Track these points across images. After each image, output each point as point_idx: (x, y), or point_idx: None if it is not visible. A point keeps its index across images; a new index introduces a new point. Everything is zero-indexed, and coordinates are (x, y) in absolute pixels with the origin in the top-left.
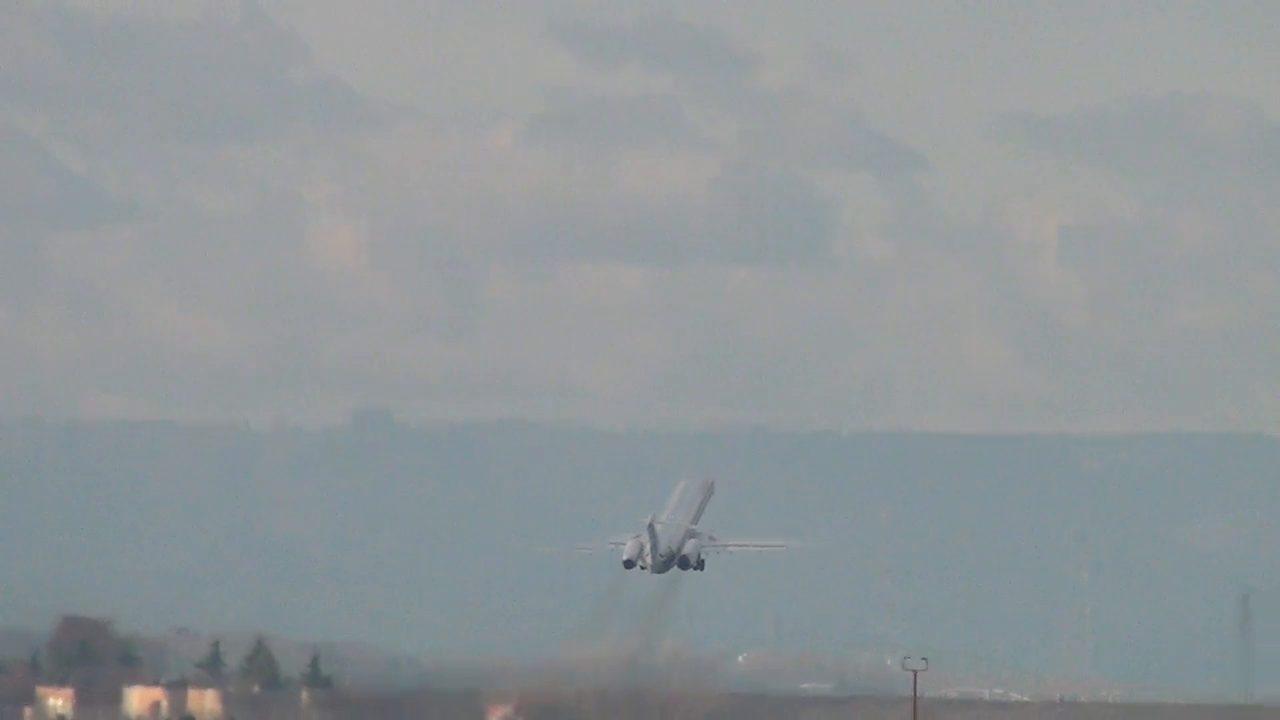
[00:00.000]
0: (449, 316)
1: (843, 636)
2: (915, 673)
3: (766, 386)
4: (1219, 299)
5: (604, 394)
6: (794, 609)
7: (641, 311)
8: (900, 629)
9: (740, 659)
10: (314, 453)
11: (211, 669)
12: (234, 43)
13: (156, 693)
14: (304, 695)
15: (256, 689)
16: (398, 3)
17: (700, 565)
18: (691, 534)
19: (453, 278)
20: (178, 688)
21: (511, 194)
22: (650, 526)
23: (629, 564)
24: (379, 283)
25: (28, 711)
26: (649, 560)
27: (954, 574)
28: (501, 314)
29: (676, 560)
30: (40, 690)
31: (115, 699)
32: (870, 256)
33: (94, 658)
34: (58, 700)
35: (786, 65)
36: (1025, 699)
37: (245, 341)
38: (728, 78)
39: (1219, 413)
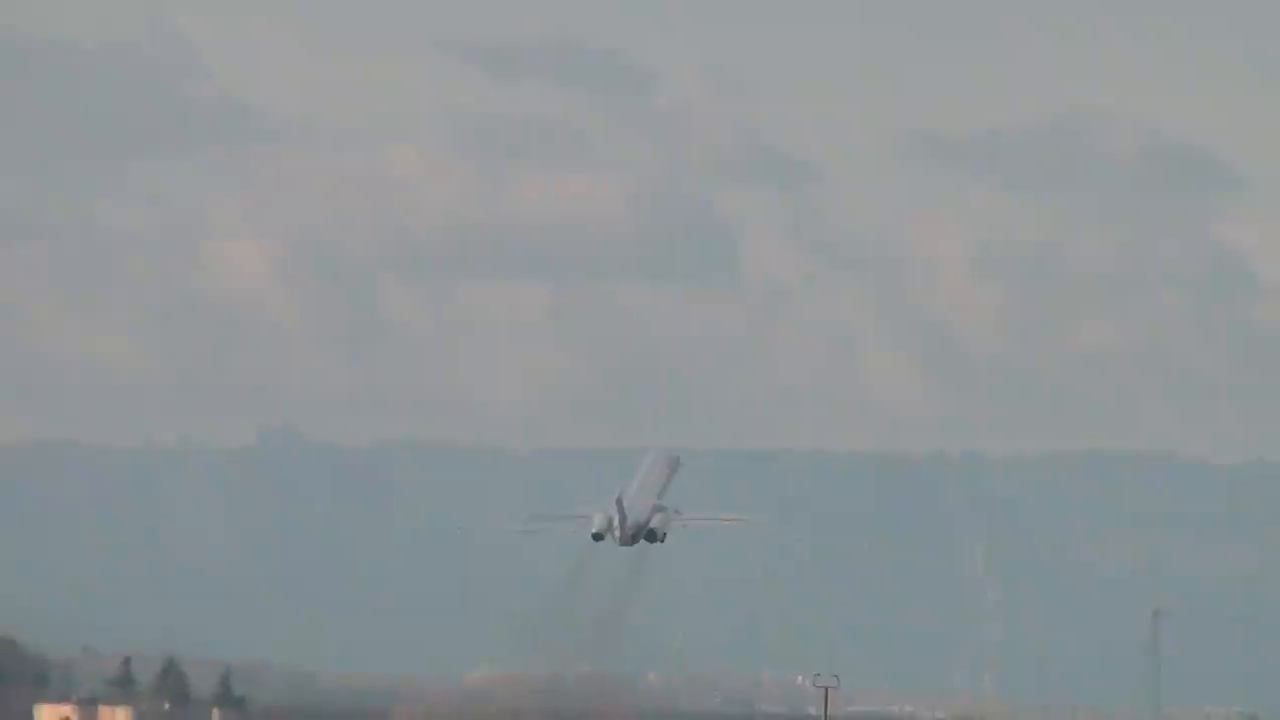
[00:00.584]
0: (352, 335)
1: (753, 653)
2: (826, 690)
3: (671, 405)
4: (1123, 317)
5: (509, 413)
6: (704, 626)
7: (544, 330)
8: (810, 646)
9: (650, 676)
10: (219, 471)
11: (122, 687)
12: (134, 60)
13: (67, 710)
14: (215, 714)
15: (167, 707)
16: (298, 21)
17: (663, 538)
18: (659, 508)
19: (355, 296)
20: (89, 705)
21: (413, 212)
22: (619, 501)
23: (598, 537)
24: (281, 301)
25: None
26: (617, 533)
27: (863, 592)
28: (404, 332)
29: (644, 533)
30: None
31: (26, 717)
32: (773, 275)
33: (3, 676)
34: None
35: (687, 83)
36: (935, 716)
37: (149, 360)
38: (628, 96)
39: (1126, 432)
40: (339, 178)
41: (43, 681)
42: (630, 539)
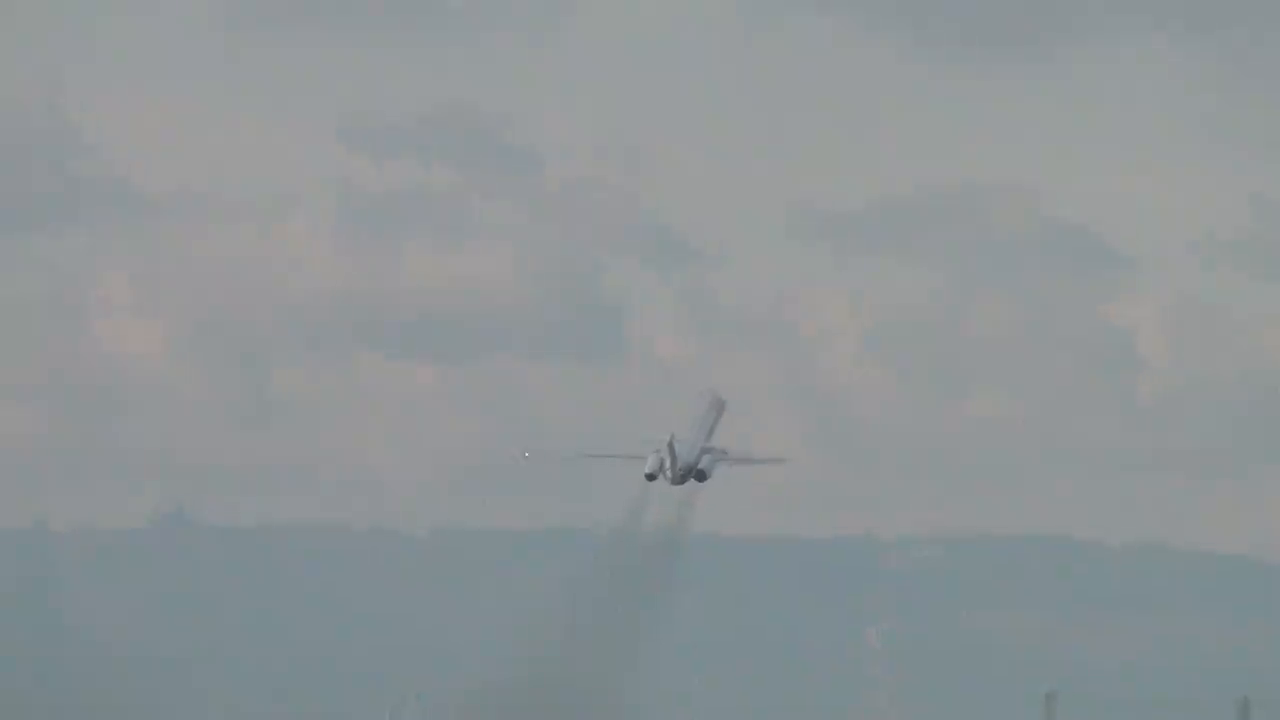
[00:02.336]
0: (242, 413)
1: None
2: None
3: (563, 484)
4: (1015, 395)
5: (402, 491)
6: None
7: (436, 407)
8: None
9: None
10: (113, 551)
11: None
12: (23, 133)
13: None
14: None
15: None
16: (186, 96)
17: (708, 477)
18: (706, 449)
19: (246, 373)
20: None
21: (303, 287)
22: (670, 444)
23: (651, 477)
24: (172, 378)
25: None
26: (669, 473)
27: (758, 674)
28: (296, 410)
29: (693, 473)
30: None
31: None
32: (663, 350)
33: None
34: None
35: (576, 159)
36: None
37: (37, 438)
38: (517, 172)
39: (1020, 512)
40: (228, 254)
41: None
42: (681, 479)
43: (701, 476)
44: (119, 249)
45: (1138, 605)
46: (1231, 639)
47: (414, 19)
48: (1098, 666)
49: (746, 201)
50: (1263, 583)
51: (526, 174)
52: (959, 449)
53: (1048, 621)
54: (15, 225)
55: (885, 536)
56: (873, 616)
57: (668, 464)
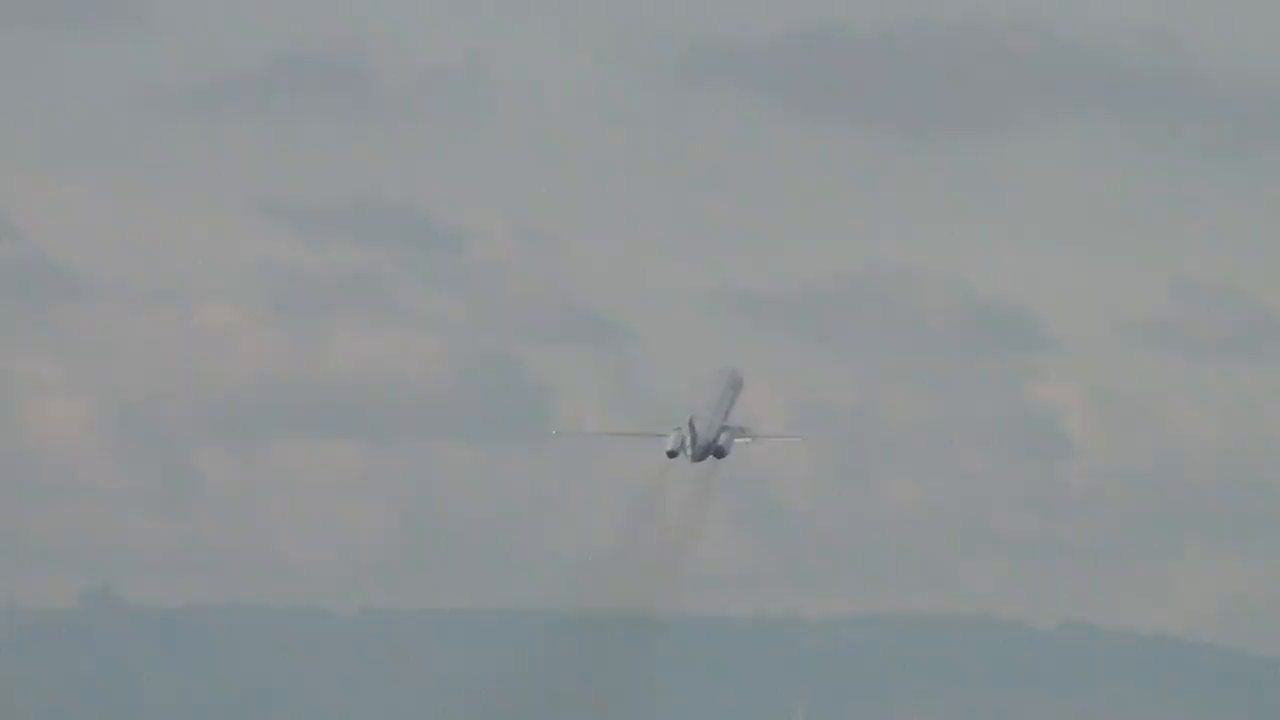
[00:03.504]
0: (169, 494)
1: None
2: None
3: (486, 565)
4: (937, 476)
5: (328, 573)
6: None
7: (360, 489)
8: None
9: None
10: (39, 635)
11: None
12: None
13: None
14: None
15: None
16: (108, 180)
17: (726, 454)
18: (725, 428)
19: (171, 455)
20: None
21: (227, 370)
22: (691, 422)
23: (672, 454)
24: (98, 460)
25: None
26: (689, 451)
27: None
28: (221, 492)
29: (712, 450)
30: None
31: None
32: (584, 430)
33: None
34: None
35: (498, 241)
36: None
37: None
38: (440, 254)
39: (942, 593)
40: (152, 336)
41: None
42: (700, 456)
43: (720, 453)
44: (42, 332)
45: (1062, 685)
46: (1156, 717)
47: (337, 103)
48: None
49: (668, 283)
50: (1187, 662)
51: (450, 257)
52: (882, 530)
53: (973, 701)
54: None
55: (809, 616)
56: (796, 697)
57: (688, 442)
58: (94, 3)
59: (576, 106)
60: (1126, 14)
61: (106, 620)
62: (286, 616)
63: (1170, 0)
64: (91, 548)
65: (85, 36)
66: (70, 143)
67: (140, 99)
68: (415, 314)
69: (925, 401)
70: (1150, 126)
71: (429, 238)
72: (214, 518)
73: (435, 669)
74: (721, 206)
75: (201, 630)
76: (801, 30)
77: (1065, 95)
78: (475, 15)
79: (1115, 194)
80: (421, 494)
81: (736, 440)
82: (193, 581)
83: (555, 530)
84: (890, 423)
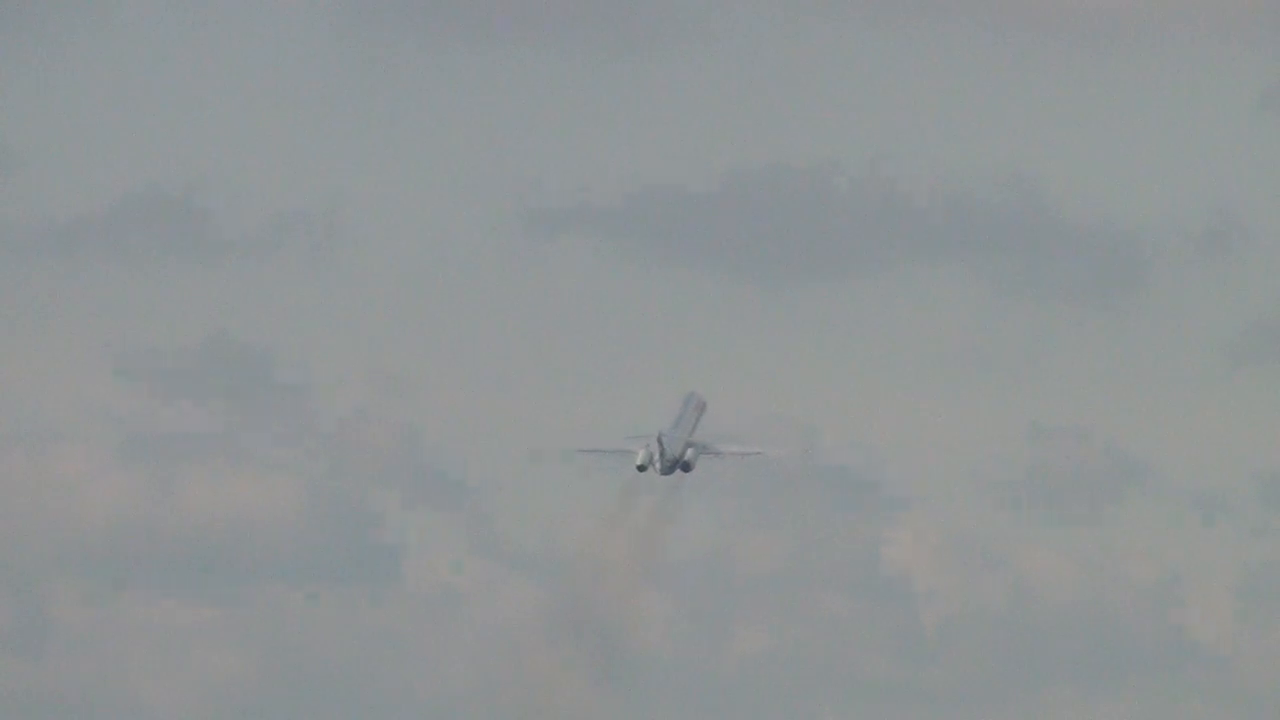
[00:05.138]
0: (17, 641)
1: None
2: None
3: (343, 711)
4: (790, 627)
5: None
6: None
7: (213, 638)
8: None
9: None
10: None
11: None
12: None
13: None
14: None
15: None
16: None
17: (692, 468)
18: (690, 444)
19: (20, 604)
20: None
21: (78, 518)
22: (659, 438)
23: (641, 468)
24: None
25: None
26: (658, 465)
27: None
28: (72, 640)
29: (679, 465)
30: None
31: None
32: (438, 581)
33: None
34: None
35: (349, 392)
36: None
37: None
38: (294, 403)
39: None
40: (3, 484)
41: None
42: (668, 469)
43: (687, 467)
44: None
45: None
46: None
47: (187, 247)
48: None
49: (522, 434)
50: None
51: (301, 409)
52: (736, 684)
53: None
54: None
55: None
56: None
57: (656, 457)
58: None
59: (428, 254)
60: (980, 156)
61: None
62: None
63: (1025, 143)
64: None
65: None
66: None
67: None
68: (266, 465)
69: (779, 556)
70: (1006, 270)
71: (280, 388)
72: (64, 666)
73: None
74: (575, 358)
75: None
76: (650, 180)
77: (918, 240)
78: (329, 160)
79: (970, 339)
80: (273, 643)
81: (702, 455)
82: None
83: (409, 678)
84: (744, 575)
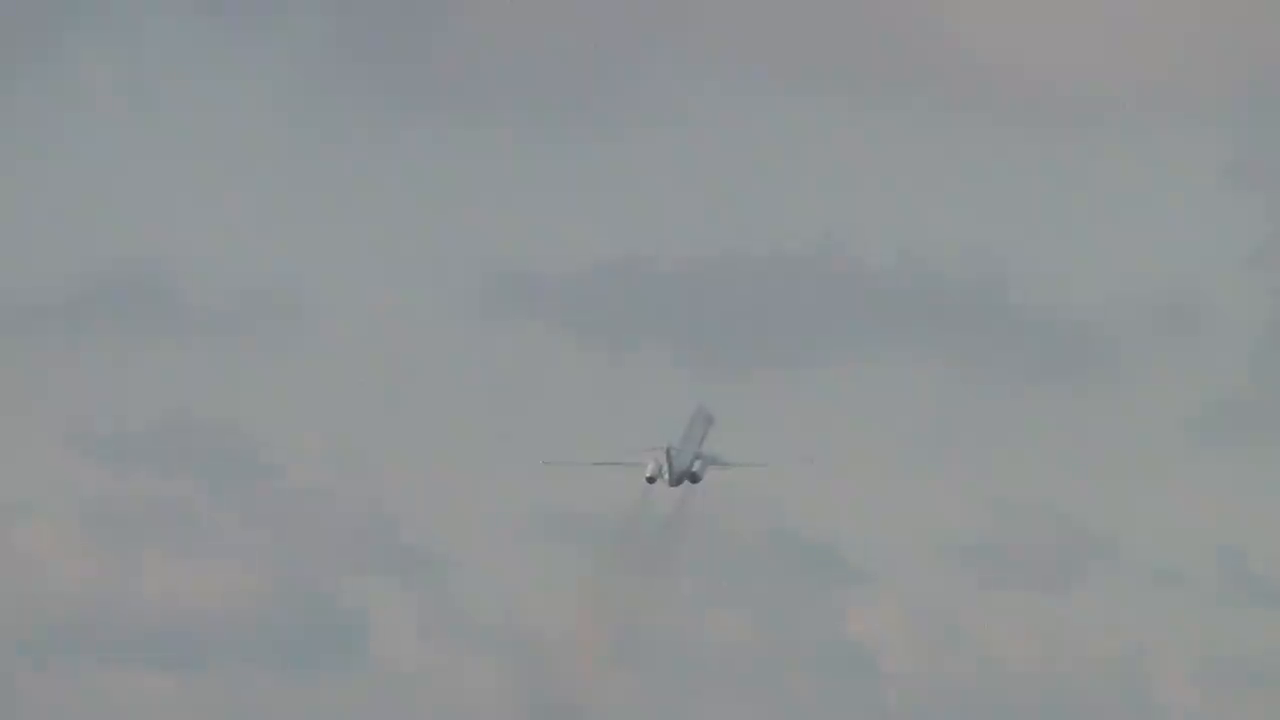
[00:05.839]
0: None
1: None
2: None
3: None
4: (755, 703)
5: None
6: None
7: (174, 717)
8: None
9: None
10: None
11: None
12: None
13: None
14: None
15: None
16: None
17: (700, 479)
18: (698, 455)
19: None
20: None
21: (37, 597)
22: (668, 451)
23: (651, 480)
24: None
25: None
26: (666, 476)
27: None
28: (29, 716)
29: (687, 476)
30: None
31: None
32: (403, 660)
33: None
34: None
35: (309, 465)
36: None
37: None
38: (253, 481)
39: None
40: None
41: None
42: (677, 481)
43: (695, 479)
44: None
45: None
46: None
47: (149, 324)
48: None
49: (487, 508)
50: None
51: (263, 483)
52: None
53: None
54: None
55: None
56: None
57: (665, 469)
58: None
59: (390, 331)
60: (942, 235)
61: None
62: None
63: (986, 221)
64: None
65: None
66: None
67: None
68: (228, 540)
69: (743, 631)
70: (967, 348)
71: (243, 464)
72: None
73: None
74: (535, 434)
75: None
76: (611, 259)
77: (880, 321)
78: (291, 238)
79: (932, 418)
80: None
81: (710, 467)
82: None
83: None
84: (707, 650)
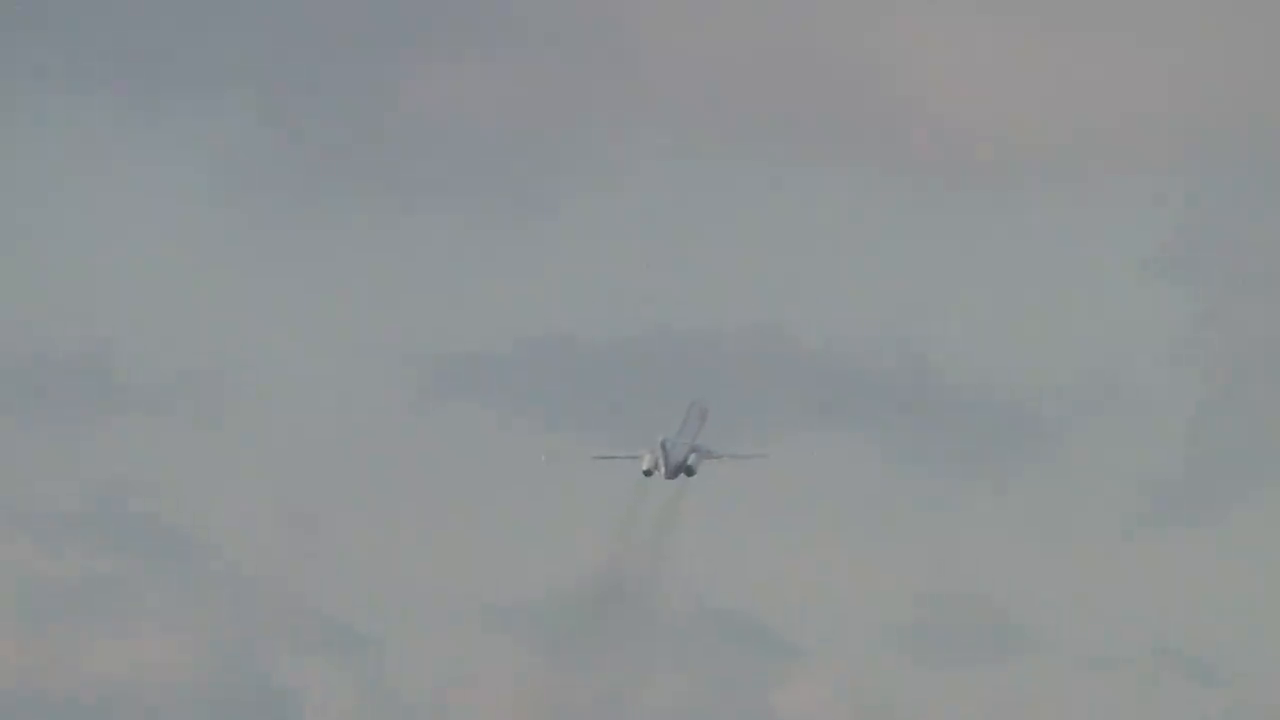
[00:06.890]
0: None
1: None
2: None
3: None
4: None
5: None
6: None
7: None
8: None
9: None
10: None
11: None
12: None
13: None
14: None
15: None
16: None
17: (695, 472)
18: (694, 449)
19: None
20: None
21: None
22: (663, 444)
23: (648, 473)
24: None
25: None
26: (662, 470)
27: None
28: None
29: (683, 469)
30: None
31: None
32: None
33: None
34: None
35: (242, 545)
36: None
37: None
38: (184, 560)
39: None
40: None
41: None
42: (673, 474)
43: (690, 472)
44: None
45: None
46: None
47: (80, 404)
48: None
49: (417, 590)
50: None
51: (194, 562)
52: None
53: None
54: None
55: None
56: None
57: (661, 462)
58: None
59: (323, 412)
60: (867, 323)
61: None
62: None
63: (911, 308)
64: None
65: None
66: None
67: None
68: (159, 619)
69: (674, 706)
70: (894, 436)
71: (175, 541)
72: None
73: None
74: (469, 516)
75: None
76: (545, 337)
77: (808, 404)
78: (225, 317)
79: (860, 504)
80: None
81: (705, 460)
82: None
83: None
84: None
